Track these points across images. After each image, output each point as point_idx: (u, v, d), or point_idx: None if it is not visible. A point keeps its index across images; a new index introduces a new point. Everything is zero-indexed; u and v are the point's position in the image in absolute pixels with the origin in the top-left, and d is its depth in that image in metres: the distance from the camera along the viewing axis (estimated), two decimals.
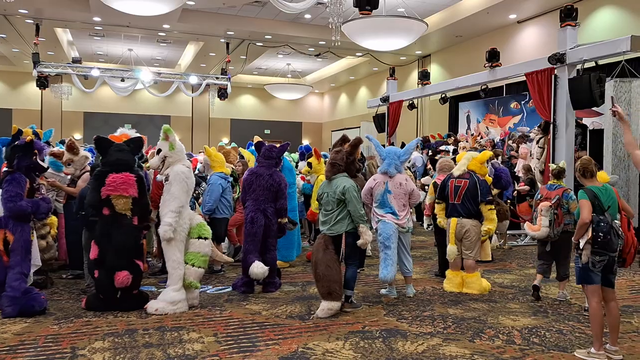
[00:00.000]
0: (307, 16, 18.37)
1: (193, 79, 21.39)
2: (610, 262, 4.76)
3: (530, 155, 11.96)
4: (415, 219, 12.56)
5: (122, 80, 21.18)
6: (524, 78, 12.04)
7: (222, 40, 20.56)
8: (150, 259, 8.79)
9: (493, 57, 13.07)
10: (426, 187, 10.51)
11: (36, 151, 6.36)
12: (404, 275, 7.13)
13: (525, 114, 17.34)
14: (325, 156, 9.94)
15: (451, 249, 7.30)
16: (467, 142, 15.00)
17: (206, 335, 5.41)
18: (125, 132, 6.93)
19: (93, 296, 6.34)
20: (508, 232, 11.02)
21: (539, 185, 10.55)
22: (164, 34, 20.41)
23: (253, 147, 8.46)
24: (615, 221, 4.86)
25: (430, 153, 15.40)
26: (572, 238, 4.94)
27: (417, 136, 20.46)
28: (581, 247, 4.77)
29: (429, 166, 14.23)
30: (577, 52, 10.54)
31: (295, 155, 11.82)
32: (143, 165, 8.03)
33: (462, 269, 7.42)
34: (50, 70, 19.12)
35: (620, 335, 5.06)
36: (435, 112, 21.44)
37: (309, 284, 7.69)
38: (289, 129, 32.00)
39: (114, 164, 6.35)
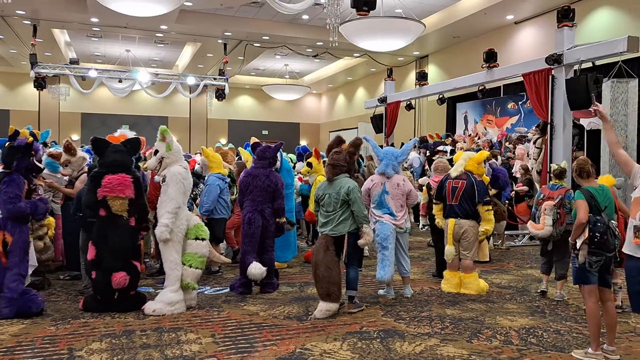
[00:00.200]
0: (305, 17, 18.38)
1: (191, 80, 21.39)
2: (607, 262, 4.77)
3: (528, 156, 11.98)
4: (412, 220, 12.56)
5: (120, 81, 21.17)
6: (521, 79, 12.06)
7: (220, 41, 20.57)
8: (147, 260, 8.77)
9: (490, 57, 13.09)
10: (424, 188, 10.51)
11: (33, 152, 6.36)
12: (402, 275, 7.13)
13: (522, 115, 17.37)
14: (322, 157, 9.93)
15: (449, 249, 7.30)
16: (464, 142, 15.01)
17: (204, 336, 5.41)
18: (125, 133, 6.93)
19: (90, 297, 6.34)
20: (505, 232, 11.03)
21: (537, 185, 10.58)
22: (161, 35, 20.41)
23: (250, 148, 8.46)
24: (612, 221, 4.87)
25: (427, 153, 15.42)
26: (569, 238, 4.95)
27: (414, 137, 20.47)
28: (578, 247, 4.78)
29: (427, 167, 14.25)
30: (574, 52, 10.56)
31: (293, 156, 11.82)
32: (140, 165, 8.03)
33: (459, 270, 7.43)
34: (48, 71, 19.11)
35: (617, 335, 5.06)
36: (432, 112, 21.46)
37: (307, 285, 7.69)
38: (286, 129, 32.00)
39: (110, 165, 6.35)
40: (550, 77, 10.91)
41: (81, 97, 25.86)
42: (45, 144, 9.68)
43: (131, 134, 6.92)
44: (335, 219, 6.23)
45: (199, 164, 9.28)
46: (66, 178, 8.12)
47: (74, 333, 5.45)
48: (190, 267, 6.33)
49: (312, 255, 6.38)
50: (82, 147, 11.66)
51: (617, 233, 4.81)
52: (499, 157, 12.57)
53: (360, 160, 11.98)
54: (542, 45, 15.47)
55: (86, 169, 7.65)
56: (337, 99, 31.62)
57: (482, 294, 7.22)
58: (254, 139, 8.38)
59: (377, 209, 6.84)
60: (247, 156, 9.30)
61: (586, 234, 4.72)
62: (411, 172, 13.72)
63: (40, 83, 19.14)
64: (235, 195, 9.01)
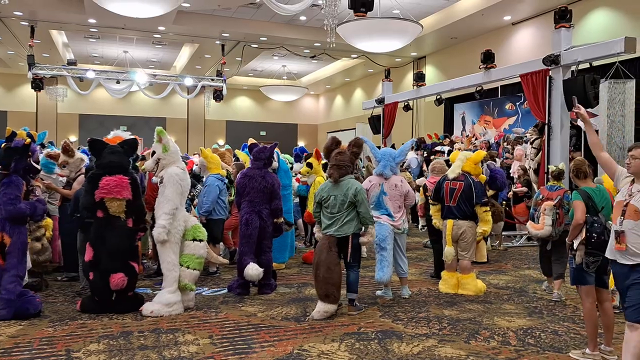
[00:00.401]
0: (302, 18, 18.38)
1: (188, 81, 21.37)
2: (604, 262, 4.76)
3: (526, 157, 11.99)
4: (410, 221, 12.57)
5: (118, 82, 21.15)
6: (518, 79, 12.06)
7: (218, 42, 20.56)
8: (145, 261, 8.77)
9: (488, 58, 13.09)
10: (420, 188, 10.52)
11: (30, 153, 6.36)
12: (400, 276, 7.14)
13: (520, 115, 17.38)
14: None
15: (448, 250, 7.30)
16: (461, 143, 15.03)
17: (201, 337, 5.41)
18: (119, 134, 6.91)
19: (88, 298, 6.34)
20: (503, 233, 11.04)
21: (535, 186, 10.60)
22: (159, 36, 20.40)
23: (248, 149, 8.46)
24: (609, 222, 4.87)
25: (425, 154, 15.43)
26: (566, 239, 4.96)
27: (412, 137, 20.48)
28: (575, 247, 4.79)
29: (424, 167, 14.25)
30: (572, 53, 10.57)
31: (289, 157, 11.83)
32: (138, 166, 8.03)
33: (457, 270, 7.44)
34: (46, 72, 19.08)
35: (615, 336, 5.07)
36: (430, 113, 21.47)
37: (305, 286, 7.70)
38: (284, 130, 32.00)
39: (107, 166, 6.34)
40: (547, 78, 10.92)
41: (79, 98, 25.84)
42: (42, 145, 9.67)
43: (126, 135, 6.91)
44: (341, 219, 6.20)
45: (196, 165, 9.27)
46: (63, 179, 8.13)
47: (72, 334, 5.45)
48: (188, 268, 6.33)
49: (313, 255, 6.35)
50: (79, 148, 11.65)
51: None
52: (496, 158, 12.58)
53: (360, 161, 11.98)
54: (539, 46, 15.49)
55: (84, 170, 7.65)
56: (334, 100, 31.62)
57: (479, 294, 7.23)
58: (251, 140, 8.39)
59: (375, 210, 6.85)
60: (244, 158, 9.29)
61: (583, 234, 4.73)
62: (409, 173, 13.72)
63: (38, 84, 19.09)
64: (233, 197, 9.01)
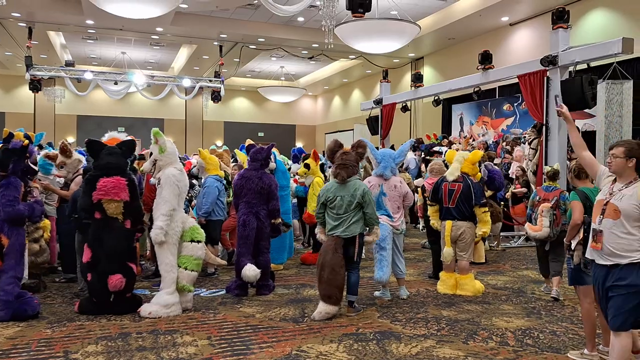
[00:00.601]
0: (300, 19, 18.39)
1: (186, 82, 21.37)
2: None
3: (525, 157, 12.01)
4: (409, 221, 12.57)
5: (116, 83, 21.14)
6: (516, 80, 12.07)
7: (215, 43, 20.56)
8: (143, 262, 8.76)
9: (486, 59, 13.10)
10: (419, 189, 10.53)
11: (28, 154, 6.35)
12: (397, 277, 7.14)
13: (518, 116, 17.40)
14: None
15: (447, 251, 7.31)
16: (459, 144, 15.04)
17: (200, 338, 5.40)
18: (114, 136, 6.89)
19: (86, 300, 6.33)
20: (501, 234, 11.05)
21: (533, 187, 10.61)
22: (157, 37, 20.39)
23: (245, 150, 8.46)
24: None
25: (422, 155, 15.44)
26: (564, 239, 4.96)
27: (410, 138, 20.48)
28: (573, 248, 4.79)
29: (423, 168, 14.26)
30: (569, 54, 10.58)
31: (285, 158, 11.82)
32: (136, 167, 8.02)
33: (455, 271, 7.45)
34: (43, 74, 19.06)
35: None
36: (428, 114, 21.49)
37: (303, 287, 7.70)
38: (282, 131, 32.00)
39: (104, 167, 6.33)
40: (545, 78, 10.93)
41: (77, 100, 25.83)
42: (40, 146, 9.66)
43: (122, 136, 6.89)
44: (348, 220, 6.18)
45: (194, 166, 9.27)
46: (60, 180, 8.12)
47: (70, 336, 5.44)
48: (186, 269, 6.32)
49: (318, 256, 6.32)
50: (76, 149, 11.64)
51: None
52: (495, 159, 12.59)
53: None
54: (537, 46, 15.50)
55: (82, 171, 7.64)
56: (332, 100, 31.63)
57: (478, 295, 7.23)
58: (249, 141, 8.38)
59: None
60: (243, 158, 9.30)
61: (581, 234, 4.73)
62: (408, 173, 13.73)
63: (36, 85, 19.08)
64: (231, 198, 9.01)
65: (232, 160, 10.70)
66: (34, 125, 25.71)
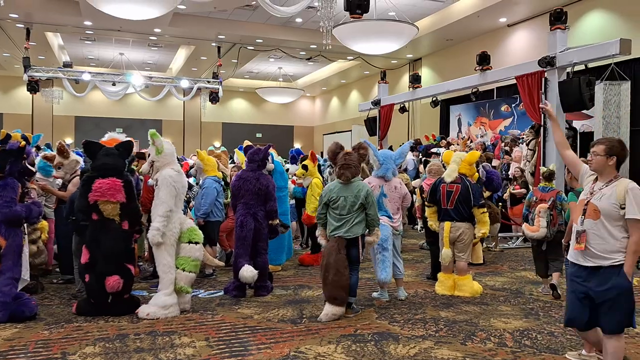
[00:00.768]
0: (298, 20, 18.40)
1: (184, 83, 21.37)
2: None
3: (523, 158, 12.02)
4: (407, 222, 12.58)
5: (113, 84, 21.13)
6: (514, 81, 12.08)
7: (214, 44, 20.56)
8: (141, 263, 8.76)
9: (483, 60, 13.11)
10: (416, 190, 10.55)
11: (25, 155, 6.35)
12: (395, 277, 7.13)
13: (515, 117, 17.42)
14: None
15: (446, 252, 7.31)
16: (457, 145, 15.04)
17: (198, 339, 5.39)
18: (114, 137, 6.89)
19: (84, 301, 6.32)
20: (499, 234, 11.06)
21: (532, 187, 10.62)
22: (155, 38, 20.39)
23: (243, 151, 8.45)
24: None
25: (420, 156, 15.45)
26: (562, 240, 4.96)
27: (408, 139, 20.50)
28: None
29: (421, 169, 14.27)
30: (567, 55, 10.59)
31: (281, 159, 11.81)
32: (134, 168, 8.01)
33: (453, 272, 7.45)
34: (41, 75, 19.05)
35: None
36: (426, 115, 21.50)
37: (301, 288, 7.70)
38: (280, 132, 32.00)
39: (100, 168, 6.32)
40: (543, 79, 10.93)
41: (75, 101, 25.81)
42: (37, 147, 9.65)
43: (121, 137, 6.89)
44: (351, 221, 6.17)
45: (192, 167, 9.27)
46: (59, 181, 8.11)
47: (68, 337, 5.43)
48: (184, 270, 6.31)
49: (322, 257, 6.31)
50: (73, 150, 11.63)
51: None
52: (493, 160, 12.60)
53: None
54: (534, 47, 15.52)
55: (79, 172, 7.63)
56: (330, 101, 31.64)
57: (476, 296, 7.23)
58: (247, 142, 8.38)
59: None
60: (242, 159, 9.29)
61: None
62: (406, 174, 13.73)
63: (34, 86, 19.07)
64: (228, 199, 9.01)
65: (230, 161, 10.70)
66: (31, 126, 25.69)
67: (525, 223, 7.16)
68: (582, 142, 12.56)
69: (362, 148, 6.54)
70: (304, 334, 5.59)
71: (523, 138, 13.22)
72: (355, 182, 6.28)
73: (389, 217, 6.92)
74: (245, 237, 7.10)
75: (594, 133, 11.11)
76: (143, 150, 8.71)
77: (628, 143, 10.44)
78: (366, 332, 5.64)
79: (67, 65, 20.38)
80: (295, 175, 9.83)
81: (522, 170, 11.17)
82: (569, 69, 10.72)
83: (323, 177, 10.31)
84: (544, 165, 10.15)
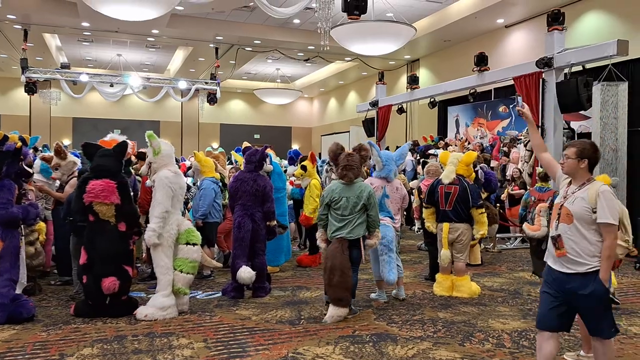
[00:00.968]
0: (296, 21, 18.39)
1: (182, 84, 21.33)
2: None
3: (521, 159, 12.03)
4: (404, 223, 12.58)
5: (111, 85, 21.09)
6: (512, 82, 12.09)
7: (211, 45, 20.54)
8: (139, 265, 8.75)
9: (481, 61, 13.11)
10: (414, 191, 10.55)
11: (22, 157, 6.34)
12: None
13: (513, 118, 17.41)
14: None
15: (445, 253, 7.32)
16: (455, 146, 15.05)
17: (196, 340, 5.39)
18: (115, 138, 6.90)
19: (82, 302, 6.32)
20: (497, 235, 11.06)
21: (529, 188, 10.64)
22: (152, 39, 20.36)
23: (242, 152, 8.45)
24: None
25: (417, 157, 15.44)
26: None
27: (406, 140, 20.51)
28: None
29: (419, 170, 14.26)
30: (565, 56, 10.59)
31: (285, 161, 11.81)
32: (131, 170, 8.00)
33: (452, 273, 7.46)
34: (39, 76, 19.01)
35: None
36: (424, 116, 21.49)
37: (299, 289, 7.69)
38: (278, 133, 31.97)
39: (94, 169, 6.34)
40: (540, 80, 10.94)
41: (72, 102, 25.76)
42: (35, 149, 9.64)
43: (121, 139, 6.89)
44: (353, 222, 6.18)
45: (190, 168, 9.26)
46: (57, 183, 8.10)
47: (65, 338, 5.43)
48: (182, 272, 6.31)
49: (325, 259, 6.30)
50: (70, 151, 11.63)
51: None
52: (491, 161, 12.60)
53: None
54: (532, 48, 15.52)
55: (77, 173, 7.63)
56: (328, 102, 31.63)
57: (474, 297, 7.24)
58: (246, 144, 8.39)
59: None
60: (241, 160, 9.30)
61: None
62: (404, 175, 13.74)
63: (31, 88, 19.02)
64: (226, 200, 9.01)
65: (227, 163, 10.69)
66: (29, 127, 25.62)
67: (525, 223, 7.17)
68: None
69: (363, 149, 6.55)
70: (302, 335, 5.59)
71: (521, 139, 13.23)
72: (357, 182, 6.30)
73: (392, 217, 6.94)
74: (242, 238, 7.10)
75: (591, 134, 11.12)
76: (143, 150, 8.72)
77: (626, 143, 10.48)
78: (364, 333, 5.64)
79: (64, 66, 20.34)
80: (293, 175, 9.83)
81: (521, 171, 11.18)
82: (566, 70, 10.73)
83: (321, 178, 10.30)
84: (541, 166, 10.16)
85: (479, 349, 5.17)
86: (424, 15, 17.92)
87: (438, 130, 20.63)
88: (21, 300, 6.03)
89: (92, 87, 20.99)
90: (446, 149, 14.61)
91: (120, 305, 6.28)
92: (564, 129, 11.36)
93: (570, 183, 4.00)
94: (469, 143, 15.92)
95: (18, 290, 6.20)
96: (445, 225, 7.32)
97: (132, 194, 6.82)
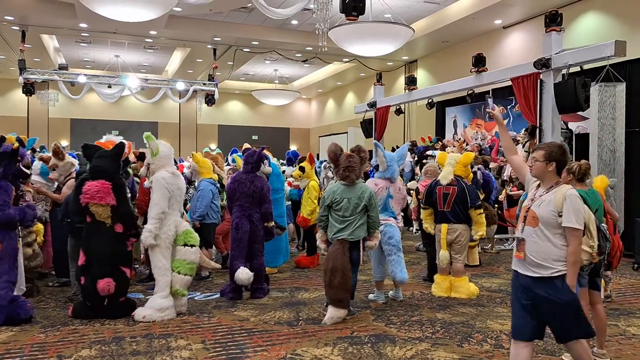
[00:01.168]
0: (294, 22, 18.39)
1: (180, 85, 21.31)
2: (597, 265, 4.78)
3: None
4: (403, 224, 12.58)
5: (109, 86, 21.05)
6: (509, 83, 12.08)
7: (209, 46, 20.53)
8: (137, 266, 8.74)
9: (479, 62, 13.10)
10: (412, 192, 10.56)
11: (19, 158, 6.33)
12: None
13: (511, 119, 17.43)
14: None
15: (444, 254, 7.32)
16: (453, 147, 15.05)
17: (194, 342, 5.39)
18: (111, 139, 6.90)
19: (80, 304, 6.31)
20: (495, 236, 11.07)
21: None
22: (150, 40, 20.35)
23: (240, 153, 8.46)
24: (602, 224, 4.89)
25: (415, 158, 15.45)
26: None
27: (404, 141, 20.51)
28: None
29: (417, 170, 14.26)
30: (562, 57, 10.58)
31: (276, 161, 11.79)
32: (129, 171, 7.99)
33: (450, 274, 7.46)
34: (37, 77, 18.98)
35: (607, 339, 5.09)
36: (422, 117, 21.50)
37: (297, 290, 7.69)
38: (276, 134, 31.97)
39: (91, 170, 6.34)
40: (538, 81, 10.93)
41: (70, 103, 25.73)
42: (33, 150, 9.63)
43: (118, 140, 6.89)
44: (354, 223, 6.19)
45: (187, 169, 9.25)
46: (54, 184, 8.08)
47: (63, 340, 5.42)
48: (179, 273, 6.30)
49: (327, 260, 6.28)
50: (68, 152, 11.60)
51: (607, 236, 4.83)
52: (490, 163, 12.60)
53: None
54: (530, 49, 15.53)
55: (74, 174, 7.62)
56: (326, 103, 31.63)
57: (472, 297, 7.25)
58: (246, 145, 8.39)
59: (381, 213, 6.81)
60: (240, 162, 9.29)
61: None
62: (401, 176, 13.74)
63: (29, 89, 18.98)
64: (224, 201, 9.00)
65: (225, 164, 10.68)
66: (27, 128, 25.59)
67: None
68: (578, 144, 12.57)
69: (362, 151, 6.55)
70: (301, 336, 5.58)
71: (519, 140, 13.24)
72: (359, 184, 6.30)
73: (395, 217, 6.96)
74: (240, 240, 7.10)
75: (589, 134, 11.13)
76: (143, 151, 8.71)
77: (623, 144, 10.49)
78: (363, 334, 5.64)
79: (62, 67, 20.30)
80: (291, 176, 9.82)
81: None
82: (564, 71, 10.72)
83: (319, 180, 10.30)
84: None
85: (478, 349, 5.17)
86: (422, 16, 17.93)
87: (436, 131, 20.63)
88: (19, 302, 6.03)
89: (90, 88, 20.96)
90: (444, 150, 14.63)
91: (118, 306, 6.27)
92: (562, 129, 11.35)
93: (539, 186, 3.95)
94: (467, 144, 15.92)
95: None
96: (444, 226, 7.32)
97: (130, 195, 6.81)
